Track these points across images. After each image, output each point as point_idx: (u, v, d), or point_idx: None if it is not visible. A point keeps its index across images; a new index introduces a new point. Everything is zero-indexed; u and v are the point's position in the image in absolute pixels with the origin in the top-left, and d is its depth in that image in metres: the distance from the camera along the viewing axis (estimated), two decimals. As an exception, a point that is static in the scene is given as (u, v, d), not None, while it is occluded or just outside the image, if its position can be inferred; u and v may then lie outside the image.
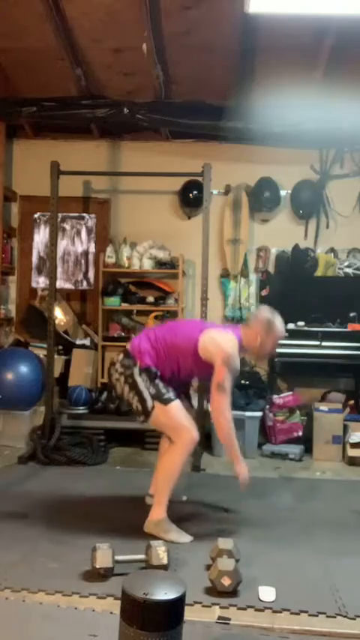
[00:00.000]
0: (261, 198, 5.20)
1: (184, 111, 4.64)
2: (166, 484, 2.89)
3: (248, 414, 4.40)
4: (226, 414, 2.89)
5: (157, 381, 2.93)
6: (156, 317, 5.10)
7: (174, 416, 2.89)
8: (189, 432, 2.88)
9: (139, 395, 2.91)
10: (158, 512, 2.85)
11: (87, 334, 5.32)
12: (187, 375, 3.12)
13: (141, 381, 2.92)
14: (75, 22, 3.80)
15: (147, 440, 4.44)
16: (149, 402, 2.89)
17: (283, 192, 5.24)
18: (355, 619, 2.11)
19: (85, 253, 5.48)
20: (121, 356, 3.03)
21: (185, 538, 2.80)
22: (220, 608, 2.15)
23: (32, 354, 4.77)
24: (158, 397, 2.89)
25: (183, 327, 3.28)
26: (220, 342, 2.93)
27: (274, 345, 3.11)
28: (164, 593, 1.57)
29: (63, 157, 4.65)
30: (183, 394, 3.20)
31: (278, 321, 3.04)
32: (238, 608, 2.15)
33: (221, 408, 2.88)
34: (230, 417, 2.92)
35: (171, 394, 2.91)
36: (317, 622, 2.09)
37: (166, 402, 2.88)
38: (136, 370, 2.93)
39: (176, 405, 2.90)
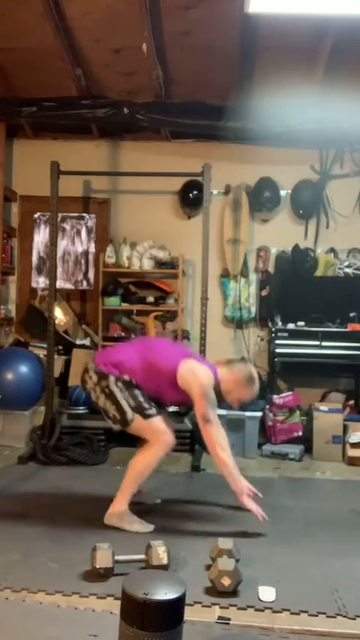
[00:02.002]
0: (261, 198, 5.20)
1: (184, 111, 4.64)
2: (133, 480, 2.92)
3: (248, 414, 4.40)
4: (222, 444, 2.86)
5: (137, 391, 2.93)
6: (156, 317, 5.10)
7: (153, 425, 2.91)
8: (166, 435, 2.90)
9: (117, 405, 2.91)
10: (121, 504, 2.88)
11: (87, 334, 5.32)
12: (164, 395, 3.08)
13: (118, 391, 2.91)
14: (75, 22, 3.80)
15: (147, 440, 4.43)
16: (129, 414, 2.89)
17: (283, 192, 5.24)
18: (355, 619, 2.11)
19: (85, 253, 5.48)
20: (93, 364, 3.02)
21: (148, 528, 2.84)
22: (220, 608, 2.15)
23: (32, 354, 4.77)
24: (139, 411, 2.89)
25: (164, 349, 3.21)
26: (197, 374, 2.93)
27: (242, 399, 3.11)
28: (164, 593, 1.57)
29: (63, 157, 4.65)
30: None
31: (257, 382, 3.06)
32: (238, 608, 2.15)
33: (214, 440, 2.85)
34: (227, 445, 2.88)
35: (152, 410, 2.92)
36: (317, 622, 2.09)
37: (146, 417, 2.89)
38: (111, 379, 2.93)
39: (157, 419, 2.92)
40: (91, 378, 3.00)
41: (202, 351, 4.35)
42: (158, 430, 2.91)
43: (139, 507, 3.01)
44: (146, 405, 2.92)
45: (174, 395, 3.04)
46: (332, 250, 5.24)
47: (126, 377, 2.94)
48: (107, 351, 3.12)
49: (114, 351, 3.17)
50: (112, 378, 2.93)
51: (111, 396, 2.92)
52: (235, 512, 3.19)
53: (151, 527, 2.85)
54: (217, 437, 2.86)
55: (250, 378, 3.03)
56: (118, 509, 2.88)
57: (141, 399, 2.92)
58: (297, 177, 5.23)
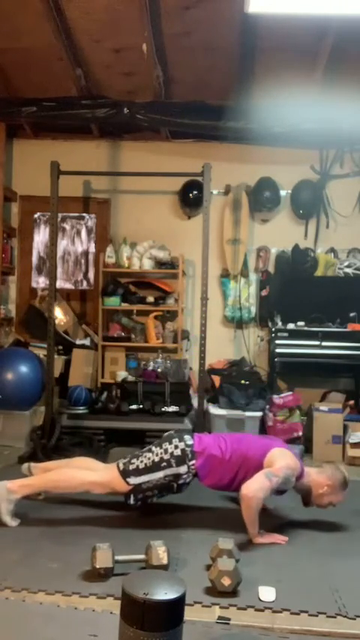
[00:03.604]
0: (261, 199, 5.20)
1: (184, 111, 4.65)
2: (47, 483, 2.94)
3: (248, 414, 4.40)
4: (261, 495, 2.74)
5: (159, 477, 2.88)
6: (156, 317, 5.11)
7: (112, 483, 2.89)
8: (116, 484, 2.88)
9: (147, 462, 2.88)
10: (20, 488, 2.86)
11: (87, 334, 5.32)
12: (232, 483, 2.95)
13: (164, 474, 2.87)
14: (75, 22, 3.80)
15: (147, 440, 4.43)
16: (121, 466, 2.89)
17: (283, 192, 5.24)
18: (355, 619, 2.11)
19: (85, 253, 5.48)
20: (188, 441, 2.94)
21: (10, 523, 2.82)
22: (220, 608, 2.15)
23: (32, 354, 4.77)
24: (126, 473, 2.86)
25: (257, 440, 3.12)
26: (288, 456, 2.86)
27: (335, 502, 2.98)
28: (164, 593, 1.57)
29: (63, 157, 4.65)
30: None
31: (346, 477, 2.97)
32: (238, 608, 2.15)
33: (260, 494, 2.71)
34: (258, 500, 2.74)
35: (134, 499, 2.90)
36: (317, 622, 2.08)
37: (124, 476, 2.86)
38: (182, 471, 2.87)
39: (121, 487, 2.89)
40: (175, 447, 2.91)
41: (202, 351, 4.35)
42: (110, 484, 2.89)
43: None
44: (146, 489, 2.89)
45: (243, 477, 2.88)
46: (332, 250, 5.24)
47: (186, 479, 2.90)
48: (211, 446, 2.96)
49: (214, 447, 2.97)
50: (182, 471, 2.87)
51: (158, 466, 2.87)
52: (235, 512, 3.19)
53: (15, 523, 2.83)
54: (265, 492, 2.73)
55: (344, 483, 2.94)
56: (10, 488, 2.85)
57: (153, 483, 2.88)
58: (297, 177, 5.24)
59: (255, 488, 2.70)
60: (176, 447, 2.90)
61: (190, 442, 2.93)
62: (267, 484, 2.72)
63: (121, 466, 2.90)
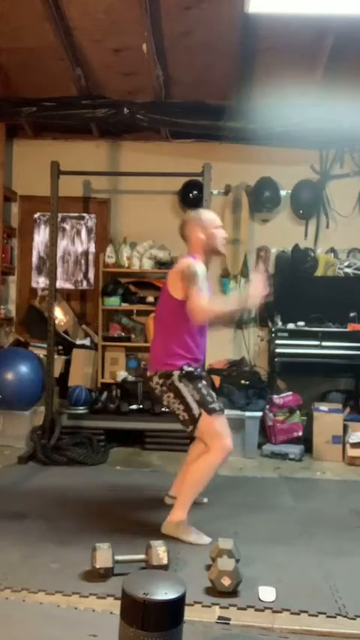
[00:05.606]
0: (261, 198, 5.20)
1: (184, 111, 4.65)
2: (193, 488, 2.82)
3: (248, 414, 4.40)
4: (212, 308, 2.80)
5: (200, 385, 2.85)
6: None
7: (216, 426, 2.81)
8: (226, 440, 2.80)
9: (184, 404, 2.83)
10: (179, 515, 2.79)
11: (87, 334, 5.32)
12: (205, 327, 3.00)
13: (183, 387, 2.83)
14: (75, 22, 3.80)
15: (147, 440, 4.44)
16: (195, 411, 2.81)
17: (283, 192, 5.24)
18: (355, 619, 2.11)
19: (85, 253, 5.48)
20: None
21: (204, 540, 2.75)
22: (220, 608, 2.15)
23: (32, 354, 4.77)
24: (203, 405, 2.81)
25: (159, 303, 3.15)
26: (175, 269, 2.93)
27: (217, 233, 3.00)
28: (164, 593, 1.57)
29: (63, 157, 4.65)
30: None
31: (203, 211, 3.05)
32: (238, 608, 2.15)
33: (205, 309, 2.75)
34: (212, 304, 2.84)
35: (215, 404, 2.83)
36: (317, 622, 2.09)
37: (210, 411, 2.80)
38: (175, 377, 2.85)
39: (220, 417, 2.84)
40: (157, 383, 2.89)
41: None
42: (219, 435, 2.79)
43: None
44: (209, 398, 2.82)
45: (199, 332, 2.93)
46: (332, 250, 5.24)
47: (188, 368, 2.85)
48: (153, 349, 3.01)
49: (157, 344, 3.02)
50: (175, 377, 2.85)
51: (177, 394, 2.83)
52: (235, 512, 3.19)
53: (208, 540, 2.74)
54: (205, 305, 2.77)
55: (195, 218, 2.99)
56: (177, 519, 2.78)
57: (204, 390, 2.83)
58: (297, 177, 5.24)
59: (200, 312, 2.74)
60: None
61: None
62: (200, 304, 2.74)
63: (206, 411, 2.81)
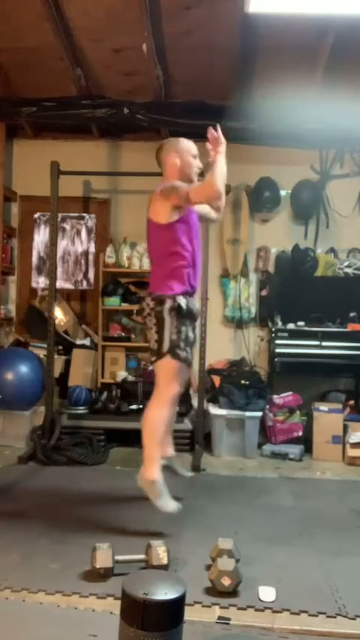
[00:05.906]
0: (261, 198, 5.20)
1: (184, 111, 4.64)
2: (151, 438, 2.88)
3: (248, 414, 4.40)
4: (204, 182, 2.82)
5: (184, 328, 2.87)
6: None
7: (174, 371, 2.87)
8: (174, 389, 2.87)
9: (160, 335, 2.86)
10: (152, 472, 2.83)
11: (87, 334, 5.32)
12: (195, 252, 3.01)
13: (168, 320, 2.86)
14: (75, 22, 3.80)
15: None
16: (165, 347, 2.84)
17: (283, 192, 5.24)
18: (355, 619, 2.11)
19: (85, 253, 5.48)
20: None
21: (170, 507, 2.80)
22: (220, 608, 2.15)
23: (32, 354, 4.77)
24: (173, 346, 2.84)
25: (149, 240, 3.19)
26: (153, 196, 2.97)
27: (192, 161, 3.01)
28: (164, 593, 1.57)
29: (63, 157, 4.65)
30: None
31: (181, 139, 3.06)
32: (238, 608, 2.15)
33: (200, 186, 2.82)
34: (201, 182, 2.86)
35: (184, 353, 2.86)
36: (317, 622, 2.09)
37: (175, 356, 2.84)
38: (166, 307, 2.87)
39: (181, 367, 2.88)
40: (148, 305, 2.95)
41: (202, 351, 4.35)
42: (173, 381, 2.86)
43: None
44: (182, 344, 2.85)
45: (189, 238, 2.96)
46: (332, 250, 5.24)
47: (180, 303, 2.86)
48: (152, 276, 3.06)
49: (156, 270, 3.07)
50: (166, 307, 2.88)
51: (160, 323, 2.86)
52: (235, 512, 3.19)
53: (174, 507, 2.78)
54: (203, 183, 2.81)
55: (170, 143, 3.03)
56: (151, 477, 2.82)
57: (183, 334, 2.85)
58: (297, 177, 5.23)
59: (191, 194, 2.79)
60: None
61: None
62: (185, 190, 2.81)
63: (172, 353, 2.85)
